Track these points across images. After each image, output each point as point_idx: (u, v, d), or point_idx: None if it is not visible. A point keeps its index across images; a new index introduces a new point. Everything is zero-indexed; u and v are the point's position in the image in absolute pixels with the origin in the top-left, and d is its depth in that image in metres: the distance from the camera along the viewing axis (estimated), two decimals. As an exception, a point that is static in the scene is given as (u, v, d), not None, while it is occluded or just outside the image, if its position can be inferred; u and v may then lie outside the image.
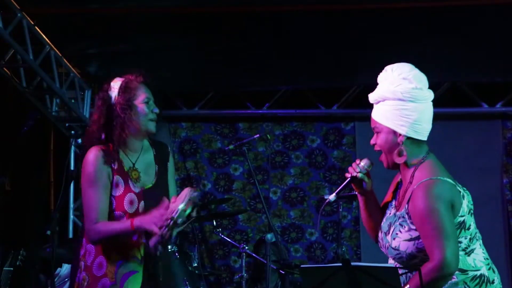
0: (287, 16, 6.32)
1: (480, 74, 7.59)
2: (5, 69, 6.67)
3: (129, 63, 6.84)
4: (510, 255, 7.86)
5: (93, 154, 3.59)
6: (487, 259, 3.14)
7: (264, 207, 5.85)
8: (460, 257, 3.03)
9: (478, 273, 3.07)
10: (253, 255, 6.28)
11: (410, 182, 3.12)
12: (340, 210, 6.80)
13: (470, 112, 7.99)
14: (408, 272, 3.05)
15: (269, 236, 5.67)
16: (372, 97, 3.23)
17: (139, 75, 3.74)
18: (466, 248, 3.08)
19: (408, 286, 2.97)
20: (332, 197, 3.22)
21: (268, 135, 7.54)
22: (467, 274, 3.05)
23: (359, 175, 3.22)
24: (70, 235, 7.95)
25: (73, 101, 7.54)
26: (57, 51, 7.02)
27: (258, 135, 6.38)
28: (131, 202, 3.59)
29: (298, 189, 8.24)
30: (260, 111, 8.19)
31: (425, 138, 3.19)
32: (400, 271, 2.99)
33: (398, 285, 2.82)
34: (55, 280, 5.52)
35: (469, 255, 3.08)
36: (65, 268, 5.74)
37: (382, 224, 3.22)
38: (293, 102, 8.17)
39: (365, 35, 6.56)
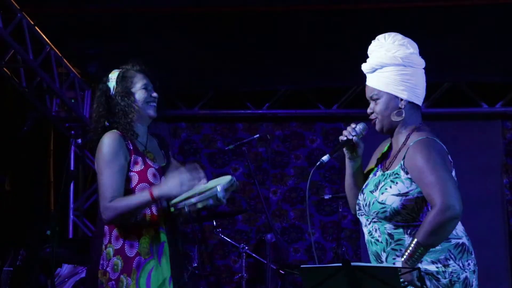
0: (287, 16, 6.32)
1: (480, 74, 7.59)
2: (5, 69, 6.68)
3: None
4: (510, 255, 7.86)
5: (110, 137, 3.63)
6: (465, 232, 3.17)
7: (264, 207, 5.85)
8: None
9: (460, 241, 3.10)
10: (253, 255, 6.27)
11: (404, 144, 3.17)
12: (340, 210, 6.80)
13: (470, 112, 7.99)
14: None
15: (269, 236, 5.67)
16: (367, 66, 3.26)
17: (135, 64, 3.82)
18: None
19: (415, 240, 2.98)
20: (325, 158, 3.21)
21: (268, 135, 7.54)
22: (450, 241, 3.08)
23: (355, 138, 3.23)
24: (70, 235, 7.95)
25: (73, 101, 7.55)
26: (57, 51, 7.02)
27: (258, 135, 6.37)
28: (154, 175, 3.63)
29: (298, 189, 8.24)
30: (260, 111, 8.20)
31: (421, 103, 3.25)
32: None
33: (398, 285, 2.82)
34: (55, 280, 5.52)
35: None
36: (65, 268, 5.74)
37: (364, 186, 3.24)
38: (293, 102, 8.17)
39: (365, 35, 6.55)
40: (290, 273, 6.09)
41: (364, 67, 3.27)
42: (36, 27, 6.57)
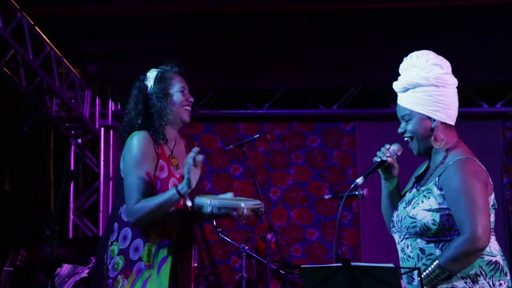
0: (287, 16, 6.32)
1: (480, 74, 7.58)
2: (5, 69, 6.68)
3: (129, 63, 6.84)
4: (510, 255, 7.86)
5: (140, 137, 3.59)
6: (501, 251, 3.13)
7: (264, 207, 5.83)
8: None
9: (494, 259, 3.06)
10: (253, 255, 6.27)
11: (442, 162, 3.13)
12: (340, 210, 6.79)
13: (470, 112, 7.98)
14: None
15: (269, 236, 5.67)
16: (399, 85, 3.21)
17: (174, 65, 3.83)
18: None
19: (437, 261, 2.96)
20: (359, 180, 3.17)
21: (268, 135, 7.53)
22: (483, 258, 3.03)
23: (389, 159, 3.20)
24: (70, 235, 7.95)
25: (73, 101, 7.55)
26: (57, 51, 7.02)
27: (258, 135, 6.37)
28: (174, 186, 3.58)
29: (298, 189, 8.24)
30: (260, 111, 8.19)
31: (453, 123, 3.21)
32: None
33: (398, 285, 2.81)
34: (55, 280, 5.52)
35: None
36: (65, 268, 5.74)
37: (399, 203, 3.21)
38: (293, 102, 8.17)
39: (365, 35, 6.56)
40: (290, 273, 6.09)
41: (396, 86, 3.22)
42: (36, 27, 6.57)
